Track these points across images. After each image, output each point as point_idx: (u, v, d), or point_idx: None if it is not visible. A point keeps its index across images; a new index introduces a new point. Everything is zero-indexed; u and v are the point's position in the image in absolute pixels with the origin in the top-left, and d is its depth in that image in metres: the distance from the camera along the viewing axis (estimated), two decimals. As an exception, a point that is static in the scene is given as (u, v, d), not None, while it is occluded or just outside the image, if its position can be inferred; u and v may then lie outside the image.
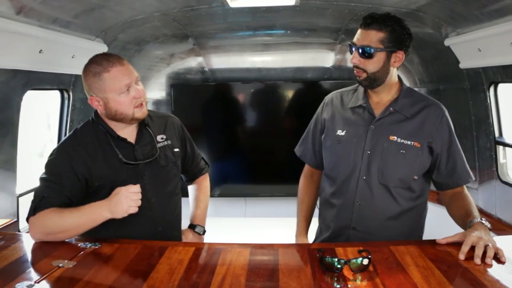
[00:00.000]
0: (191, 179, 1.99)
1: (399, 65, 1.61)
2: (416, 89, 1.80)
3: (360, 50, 1.56)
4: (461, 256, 1.32)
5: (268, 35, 3.35)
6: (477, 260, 1.29)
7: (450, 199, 1.66)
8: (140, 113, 1.62)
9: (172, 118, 1.86)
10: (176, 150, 1.77)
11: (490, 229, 1.43)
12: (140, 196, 1.48)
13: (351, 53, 1.60)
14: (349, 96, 1.75)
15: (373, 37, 1.54)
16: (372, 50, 1.54)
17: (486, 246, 1.31)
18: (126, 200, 1.45)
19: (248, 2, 2.53)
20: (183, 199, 1.84)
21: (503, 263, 1.28)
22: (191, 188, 2.00)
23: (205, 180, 2.01)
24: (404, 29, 1.56)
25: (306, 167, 1.89)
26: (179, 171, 1.81)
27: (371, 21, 1.53)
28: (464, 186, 1.67)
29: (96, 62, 1.56)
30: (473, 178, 1.69)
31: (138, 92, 1.58)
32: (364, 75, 1.58)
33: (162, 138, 1.74)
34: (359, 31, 1.58)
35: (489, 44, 2.33)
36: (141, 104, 1.61)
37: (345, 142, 1.67)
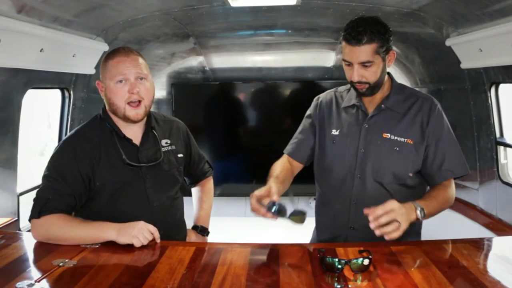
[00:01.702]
0: (195, 182, 1.98)
1: (392, 63, 1.61)
2: (417, 89, 1.80)
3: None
4: (370, 218, 1.35)
5: (269, 35, 3.35)
6: (371, 219, 1.34)
7: (431, 188, 1.65)
8: (132, 113, 1.58)
9: (178, 123, 1.85)
10: (180, 155, 1.76)
11: (418, 219, 1.43)
12: (151, 238, 1.46)
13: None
14: (343, 96, 1.76)
15: (368, 51, 1.52)
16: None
17: (394, 221, 1.34)
18: (139, 230, 1.44)
19: (249, 1, 2.53)
20: (187, 199, 1.83)
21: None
22: (194, 190, 1.99)
23: (209, 182, 2.00)
24: (386, 27, 1.56)
25: (286, 157, 1.81)
26: (181, 176, 1.80)
27: (361, 36, 1.50)
28: (452, 184, 1.65)
29: (112, 51, 1.64)
30: (468, 171, 1.65)
31: (132, 88, 1.56)
32: (367, 86, 1.58)
33: (166, 143, 1.73)
34: (349, 47, 1.54)
35: (491, 45, 2.33)
36: (138, 104, 1.58)
37: (339, 142, 1.68)
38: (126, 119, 1.60)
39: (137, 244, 1.43)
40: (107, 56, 1.62)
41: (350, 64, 1.57)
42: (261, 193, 1.44)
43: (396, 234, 1.33)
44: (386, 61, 1.58)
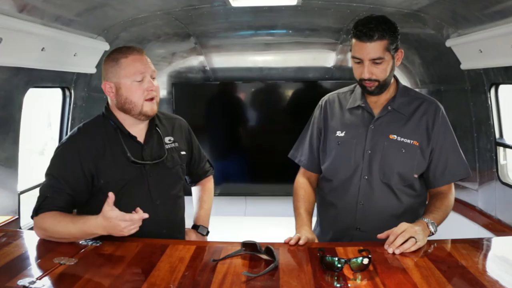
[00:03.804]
0: (195, 181, 1.98)
1: (400, 61, 1.63)
2: (417, 89, 1.81)
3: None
4: (386, 246, 1.39)
5: (270, 35, 3.35)
6: (386, 246, 1.39)
7: (432, 196, 1.68)
8: (149, 108, 1.60)
9: (180, 120, 1.85)
10: (183, 153, 1.76)
11: (432, 233, 1.47)
12: (135, 224, 1.38)
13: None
14: (347, 97, 1.76)
15: (379, 48, 1.53)
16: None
17: (409, 238, 1.38)
18: (120, 227, 1.37)
19: (250, 1, 2.53)
20: (187, 198, 1.84)
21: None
22: (194, 189, 1.99)
23: (209, 182, 2.00)
24: (395, 25, 1.57)
25: (302, 170, 1.84)
26: (184, 174, 1.80)
27: (372, 32, 1.51)
28: (452, 187, 1.68)
29: (118, 50, 1.62)
30: (470, 174, 1.70)
31: (151, 85, 1.59)
32: (376, 84, 1.59)
33: (169, 140, 1.73)
34: (360, 44, 1.54)
35: (491, 46, 2.33)
36: (152, 99, 1.60)
37: (345, 143, 1.68)
38: (141, 115, 1.60)
39: (134, 230, 1.38)
40: (117, 55, 1.60)
41: (360, 62, 1.57)
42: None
43: (414, 248, 1.38)
44: (395, 59, 1.59)
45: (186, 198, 1.85)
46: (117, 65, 1.58)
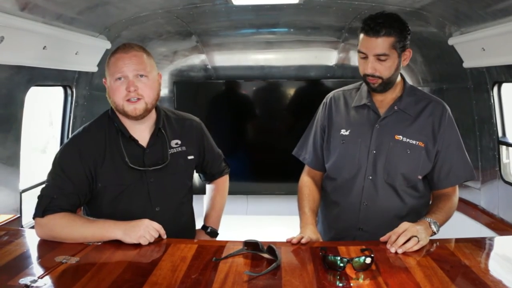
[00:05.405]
0: (210, 179, 1.93)
1: (408, 62, 1.62)
2: (419, 88, 1.81)
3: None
4: (388, 245, 1.39)
5: (271, 33, 3.34)
6: (388, 246, 1.38)
7: (435, 197, 1.67)
8: (130, 108, 1.52)
9: (191, 121, 1.78)
10: (190, 157, 1.69)
11: (434, 233, 1.47)
12: (157, 235, 1.47)
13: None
14: (352, 95, 1.74)
15: (385, 44, 1.52)
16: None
17: (411, 237, 1.38)
18: (145, 229, 1.44)
19: (251, -1, 2.53)
20: (199, 197, 1.80)
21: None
22: (209, 188, 1.94)
23: (224, 182, 1.94)
24: (406, 25, 1.56)
25: (307, 169, 1.84)
26: (191, 180, 1.73)
27: (379, 27, 1.50)
28: (457, 189, 1.67)
29: (117, 47, 1.59)
30: (474, 177, 1.69)
31: (130, 86, 1.51)
32: (380, 81, 1.57)
33: (176, 144, 1.66)
34: (366, 38, 1.53)
35: (493, 44, 2.32)
36: (136, 100, 1.52)
37: (350, 142, 1.66)
38: (126, 115, 1.55)
39: (145, 243, 1.43)
40: (111, 53, 1.59)
41: (365, 57, 1.56)
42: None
43: (416, 247, 1.38)
44: (402, 59, 1.58)
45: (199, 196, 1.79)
46: (107, 63, 1.57)
